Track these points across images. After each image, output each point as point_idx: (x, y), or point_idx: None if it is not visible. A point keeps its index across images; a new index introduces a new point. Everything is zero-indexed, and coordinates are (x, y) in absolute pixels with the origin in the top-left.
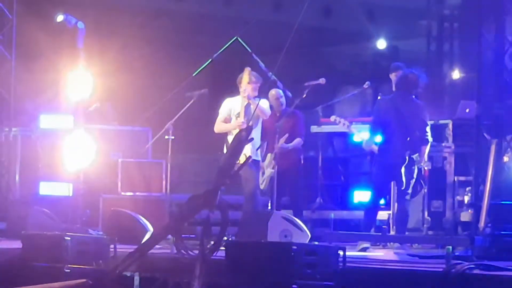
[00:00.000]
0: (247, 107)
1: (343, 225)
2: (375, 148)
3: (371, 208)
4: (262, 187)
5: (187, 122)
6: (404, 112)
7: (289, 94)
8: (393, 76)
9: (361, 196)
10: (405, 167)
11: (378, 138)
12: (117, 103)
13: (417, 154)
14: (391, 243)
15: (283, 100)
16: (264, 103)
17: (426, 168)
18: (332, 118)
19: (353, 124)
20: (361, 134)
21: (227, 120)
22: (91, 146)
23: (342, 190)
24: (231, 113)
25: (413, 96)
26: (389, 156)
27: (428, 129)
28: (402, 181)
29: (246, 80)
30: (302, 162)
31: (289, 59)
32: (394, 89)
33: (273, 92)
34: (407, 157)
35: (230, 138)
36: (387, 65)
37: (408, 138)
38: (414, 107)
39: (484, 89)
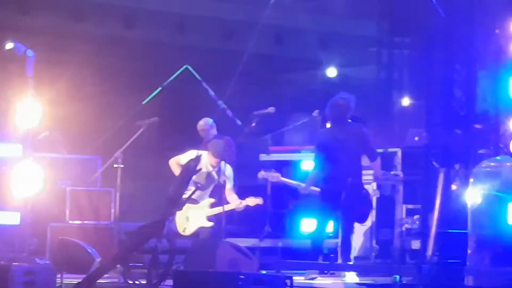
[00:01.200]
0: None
1: (291, 254)
2: (315, 189)
3: (317, 237)
4: None
5: (137, 150)
6: (341, 139)
7: (239, 122)
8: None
9: (309, 224)
10: (348, 194)
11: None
12: (66, 132)
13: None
14: (340, 272)
15: (209, 128)
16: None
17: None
18: (260, 175)
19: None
20: (292, 182)
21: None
22: (39, 175)
23: (290, 219)
24: None
25: (349, 120)
26: (331, 184)
27: (371, 145)
28: (347, 209)
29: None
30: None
31: (239, 87)
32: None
33: (200, 122)
34: (349, 184)
35: None
36: (336, 93)
37: (349, 164)
38: (350, 129)
39: (432, 118)
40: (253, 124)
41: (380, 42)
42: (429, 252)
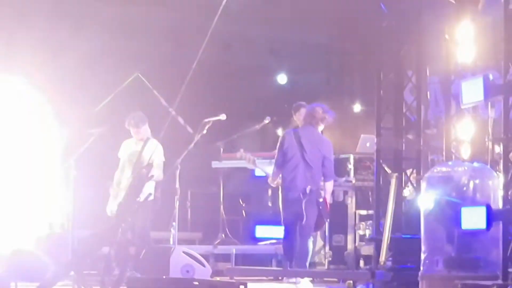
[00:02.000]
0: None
1: (245, 260)
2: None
3: (286, 243)
4: None
5: (89, 158)
6: (305, 146)
7: (190, 130)
8: (297, 116)
9: (263, 230)
10: (306, 201)
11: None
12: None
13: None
14: (294, 278)
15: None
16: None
17: (328, 202)
18: (239, 154)
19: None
20: (265, 169)
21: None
22: None
23: (244, 225)
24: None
25: (320, 131)
26: (290, 190)
27: (330, 164)
28: (303, 216)
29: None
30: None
31: (190, 94)
32: (300, 124)
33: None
34: (308, 191)
35: None
36: (287, 100)
37: (309, 173)
38: (317, 141)
39: (383, 123)
40: (204, 131)
41: (330, 48)
42: (383, 257)
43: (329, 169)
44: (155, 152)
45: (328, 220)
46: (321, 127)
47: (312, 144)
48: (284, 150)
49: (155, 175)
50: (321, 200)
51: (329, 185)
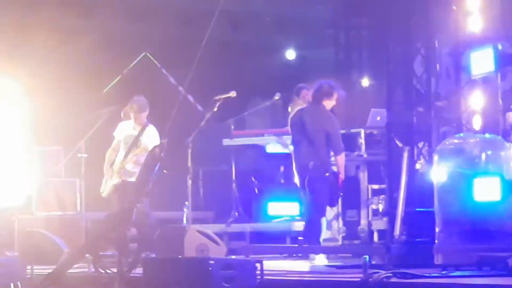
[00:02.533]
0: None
1: (259, 238)
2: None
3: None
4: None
5: (100, 139)
6: (307, 123)
7: (200, 108)
8: (299, 99)
9: (276, 208)
10: (309, 178)
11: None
12: (28, 123)
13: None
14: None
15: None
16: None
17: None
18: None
19: (265, 135)
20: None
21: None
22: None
23: (256, 203)
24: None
25: (327, 108)
26: (296, 167)
27: (335, 138)
28: (312, 193)
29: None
30: None
31: (199, 73)
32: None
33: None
34: (311, 167)
35: None
36: (296, 75)
37: (311, 148)
38: (319, 117)
39: (393, 97)
40: (215, 109)
41: (337, 23)
42: (397, 231)
43: (335, 144)
44: (151, 138)
45: (341, 194)
46: (329, 103)
47: (314, 120)
48: (291, 130)
49: None
50: (327, 174)
51: (339, 159)
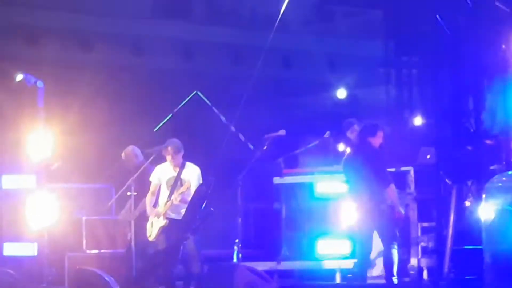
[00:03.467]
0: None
1: (308, 276)
2: None
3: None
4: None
5: (148, 178)
6: (361, 160)
7: (251, 146)
8: (348, 134)
9: (326, 246)
10: (366, 210)
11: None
12: (79, 161)
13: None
14: None
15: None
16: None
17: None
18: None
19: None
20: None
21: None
22: (54, 205)
23: (306, 241)
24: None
25: (371, 144)
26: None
27: (381, 172)
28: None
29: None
30: None
31: (250, 111)
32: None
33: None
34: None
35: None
36: (347, 114)
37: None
38: (365, 154)
39: (443, 135)
40: (265, 147)
41: (388, 61)
42: (446, 269)
43: (381, 177)
44: (192, 175)
45: (398, 227)
46: (375, 141)
47: (362, 157)
48: (345, 169)
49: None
50: (382, 206)
51: (388, 192)
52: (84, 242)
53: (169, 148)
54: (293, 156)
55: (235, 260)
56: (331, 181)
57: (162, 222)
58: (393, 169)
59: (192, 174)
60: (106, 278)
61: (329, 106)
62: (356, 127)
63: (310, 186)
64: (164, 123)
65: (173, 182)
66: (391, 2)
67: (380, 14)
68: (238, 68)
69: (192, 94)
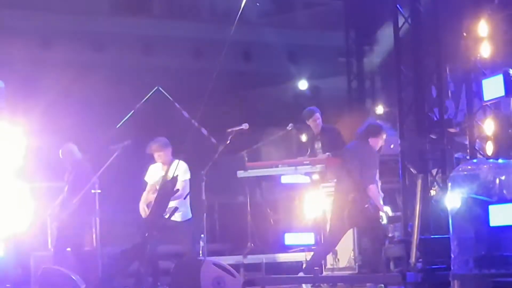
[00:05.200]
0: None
1: (275, 269)
2: None
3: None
4: None
5: (113, 174)
6: (352, 156)
7: (213, 140)
8: (310, 122)
9: (292, 238)
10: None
11: None
12: (42, 160)
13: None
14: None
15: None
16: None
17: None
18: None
19: (279, 166)
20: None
21: (153, 188)
22: (25, 205)
23: (272, 234)
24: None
25: (369, 145)
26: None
27: (368, 172)
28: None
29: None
30: None
31: (212, 105)
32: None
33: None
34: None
35: None
36: (309, 105)
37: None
38: (364, 151)
39: (406, 124)
40: (228, 142)
41: (349, 51)
42: (413, 259)
43: (367, 177)
44: (180, 171)
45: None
46: (376, 142)
47: (357, 156)
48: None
49: (180, 192)
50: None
51: (371, 190)
52: (50, 241)
53: (153, 146)
54: (257, 149)
55: (201, 255)
56: (295, 173)
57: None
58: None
59: (180, 171)
60: (73, 277)
61: (290, 97)
62: (318, 115)
63: (274, 179)
64: (127, 119)
65: (161, 181)
66: None
67: (341, 4)
68: (199, 62)
69: (154, 90)
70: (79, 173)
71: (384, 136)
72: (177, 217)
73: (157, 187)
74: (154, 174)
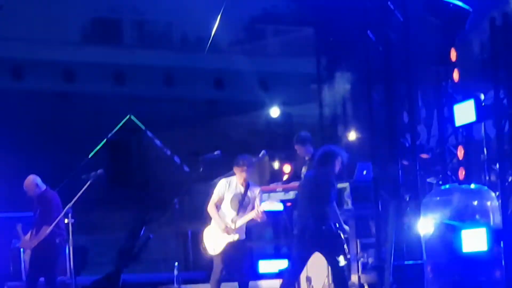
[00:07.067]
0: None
1: None
2: None
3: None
4: None
5: (86, 204)
6: (311, 184)
7: (186, 168)
8: (298, 148)
9: (267, 266)
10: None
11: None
12: (14, 189)
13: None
14: None
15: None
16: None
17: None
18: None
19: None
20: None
21: (220, 200)
22: None
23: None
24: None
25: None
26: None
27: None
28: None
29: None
30: None
31: (185, 133)
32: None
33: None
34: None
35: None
36: (281, 132)
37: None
38: (321, 178)
39: (379, 150)
40: (201, 169)
41: (320, 78)
42: (387, 285)
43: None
44: (258, 198)
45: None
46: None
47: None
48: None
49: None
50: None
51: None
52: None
53: (240, 161)
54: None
55: (175, 283)
56: (269, 199)
57: (234, 237)
58: None
59: (257, 194)
60: None
61: (263, 125)
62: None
63: None
64: (99, 148)
65: (240, 199)
66: (322, 18)
67: (311, 31)
68: (171, 90)
69: (126, 118)
70: (46, 204)
71: (341, 159)
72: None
73: (232, 201)
74: (228, 188)
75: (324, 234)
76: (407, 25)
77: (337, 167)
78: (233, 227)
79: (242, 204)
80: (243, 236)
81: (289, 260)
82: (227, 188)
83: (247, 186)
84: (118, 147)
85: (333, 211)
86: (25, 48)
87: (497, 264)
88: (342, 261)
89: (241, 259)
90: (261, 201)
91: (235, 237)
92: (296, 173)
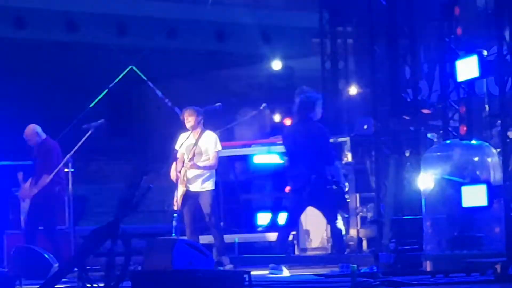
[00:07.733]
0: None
1: (247, 249)
2: None
3: (286, 230)
4: None
5: (87, 153)
6: (303, 136)
7: None
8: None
9: (265, 218)
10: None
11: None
12: (15, 138)
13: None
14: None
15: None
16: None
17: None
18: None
19: (252, 146)
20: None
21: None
22: None
23: (245, 213)
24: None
25: (313, 119)
26: (295, 181)
27: (329, 148)
28: (317, 203)
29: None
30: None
31: (186, 84)
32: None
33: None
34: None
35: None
36: (283, 86)
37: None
38: (313, 129)
39: (380, 105)
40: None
41: (322, 32)
42: (386, 239)
43: (324, 154)
44: (209, 143)
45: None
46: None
47: (307, 133)
48: (284, 143)
49: (210, 164)
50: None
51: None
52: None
53: (185, 112)
54: (230, 129)
55: (174, 234)
56: (268, 153)
57: (180, 190)
58: (331, 140)
59: (209, 143)
60: (45, 256)
61: (264, 78)
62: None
63: (247, 159)
64: (100, 98)
65: (190, 149)
66: None
67: None
68: (173, 42)
69: (128, 69)
70: (47, 153)
71: (320, 103)
72: (201, 187)
73: (186, 152)
74: (183, 142)
75: (326, 193)
76: None
77: (319, 111)
78: (182, 177)
79: (194, 153)
80: (200, 187)
81: (287, 212)
82: (183, 140)
83: (199, 136)
84: (120, 98)
85: (336, 169)
86: None
87: (497, 221)
88: (340, 221)
89: (200, 210)
90: (215, 146)
91: (189, 188)
92: None
